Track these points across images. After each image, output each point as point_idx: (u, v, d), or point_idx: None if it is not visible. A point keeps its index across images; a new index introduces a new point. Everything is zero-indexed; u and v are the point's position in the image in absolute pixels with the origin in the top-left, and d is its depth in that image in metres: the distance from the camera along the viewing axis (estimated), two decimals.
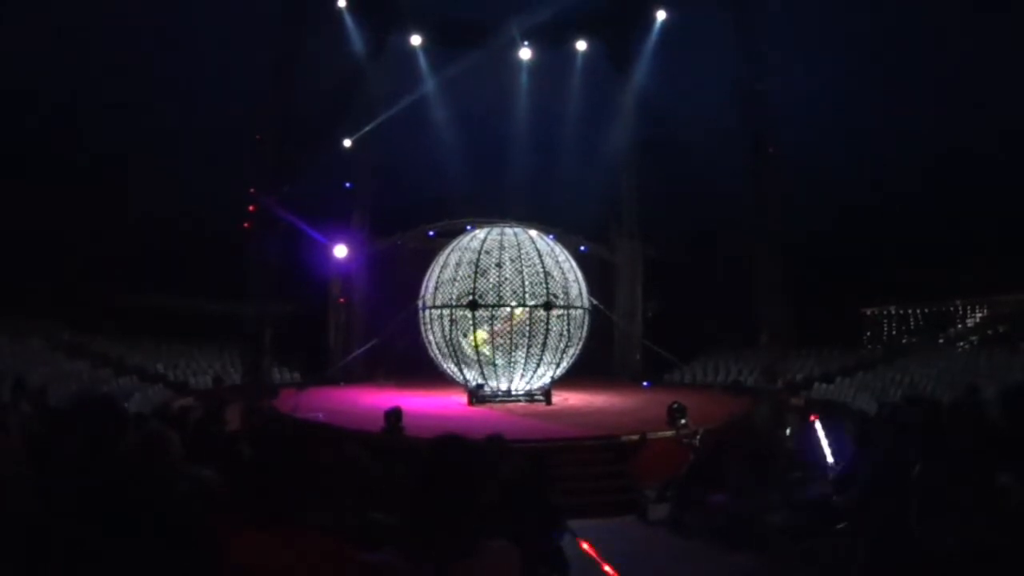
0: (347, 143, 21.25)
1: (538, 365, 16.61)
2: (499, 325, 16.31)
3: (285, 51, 17.00)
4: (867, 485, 5.31)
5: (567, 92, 22.66)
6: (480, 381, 16.58)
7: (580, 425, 13.69)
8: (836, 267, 22.03)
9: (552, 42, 22.24)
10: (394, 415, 9.88)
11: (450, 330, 16.58)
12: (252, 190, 16.65)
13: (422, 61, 21.86)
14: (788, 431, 13.61)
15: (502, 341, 16.29)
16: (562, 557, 5.93)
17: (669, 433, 12.49)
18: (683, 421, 12.47)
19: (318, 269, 20.97)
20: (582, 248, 22.04)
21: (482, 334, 16.37)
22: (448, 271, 16.83)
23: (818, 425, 7.66)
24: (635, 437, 12.14)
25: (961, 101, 21.26)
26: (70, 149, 21.30)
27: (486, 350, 16.36)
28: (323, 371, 20.84)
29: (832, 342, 21.44)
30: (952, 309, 21.50)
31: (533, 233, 17.64)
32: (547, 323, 16.31)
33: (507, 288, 16.26)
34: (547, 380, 17.08)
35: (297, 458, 2.34)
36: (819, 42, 20.92)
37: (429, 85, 21.76)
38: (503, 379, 16.63)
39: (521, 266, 16.47)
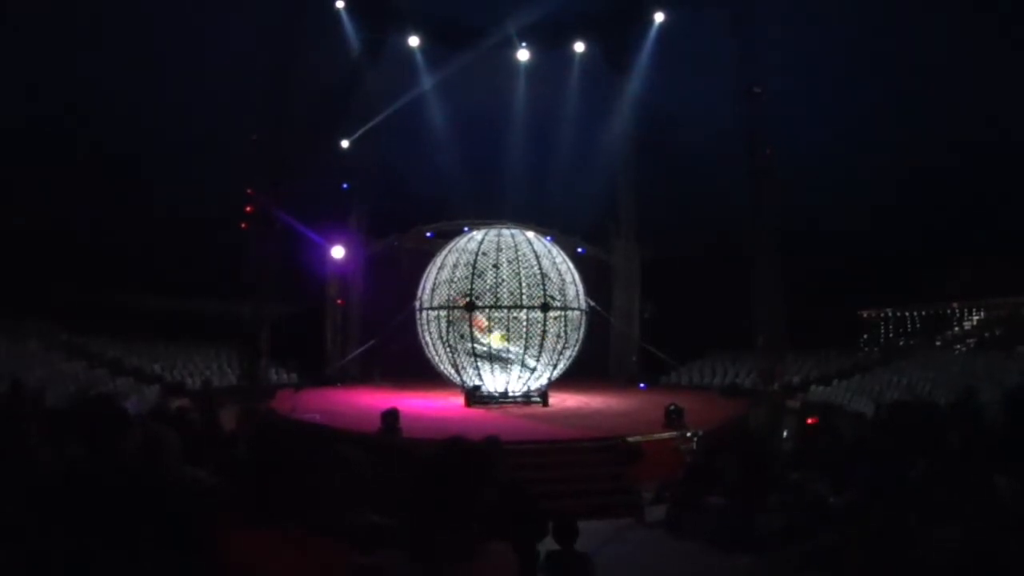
0: (345, 143, 21.26)
1: (535, 366, 16.63)
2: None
3: (283, 51, 16.99)
4: (865, 487, 5.32)
5: (565, 93, 22.67)
6: (477, 383, 16.58)
7: (577, 427, 13.68)
8: (833, 269, 22.06)
9: (550, 43, 22.23)
10: (391, 416, 9.85)
11: (447, 331, 16.58)
12: (249, 190, 16.63)
13: (420, 62, 21.86)
14: (785, 433, 13.62)
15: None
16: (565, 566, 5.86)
17: (666, 435, 12.50)
18: (681, 423, 12.48)
19: (315, 270, 20.98)
20: (579, 250, 22.05)
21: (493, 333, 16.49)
22: (445, 272, 16.83)
23: None
24: (632, 439, 12.13)
25: (960, 102, 21.29)
26: (67, 150, 21.24)
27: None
28: (320, 372, 20.82)
29: (829, 344, 21.46)
30: (949, 312, 21.53)
31: (530, 234, 17.65)
32: (544, 324, 16.32)
33: (504, 289, 16.26)
34: (544, 381, 17.08)
35: (294, 459, 2.33)
36: (817, 42, 20.93)
37: (427, 86, 21.76)
38: (499, 376, 16.64)
39: (519, 267, 16.47)
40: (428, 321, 17.03)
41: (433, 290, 16.86)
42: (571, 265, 17.53)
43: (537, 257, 16.72)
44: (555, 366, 17.00)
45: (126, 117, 21.67)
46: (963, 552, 3.58)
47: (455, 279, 16.54)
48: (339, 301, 21.80)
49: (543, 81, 22.40)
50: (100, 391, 13.41)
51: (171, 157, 21.97)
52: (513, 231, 17.48)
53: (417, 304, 17.41)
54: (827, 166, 22.02)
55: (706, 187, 20.23)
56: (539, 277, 16.41)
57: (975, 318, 20.98)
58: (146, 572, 2.03)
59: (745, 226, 16.72)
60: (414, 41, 21.63)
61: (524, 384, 16.84)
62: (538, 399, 16.50)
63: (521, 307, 16.24)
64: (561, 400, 17.00)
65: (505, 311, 16.24)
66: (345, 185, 21.94)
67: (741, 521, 7.91)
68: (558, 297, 16.58)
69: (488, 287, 16.28)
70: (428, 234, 22.06)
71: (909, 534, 3.92)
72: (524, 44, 21.86)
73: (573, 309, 16.95)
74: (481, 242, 16.93)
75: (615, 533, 9.00)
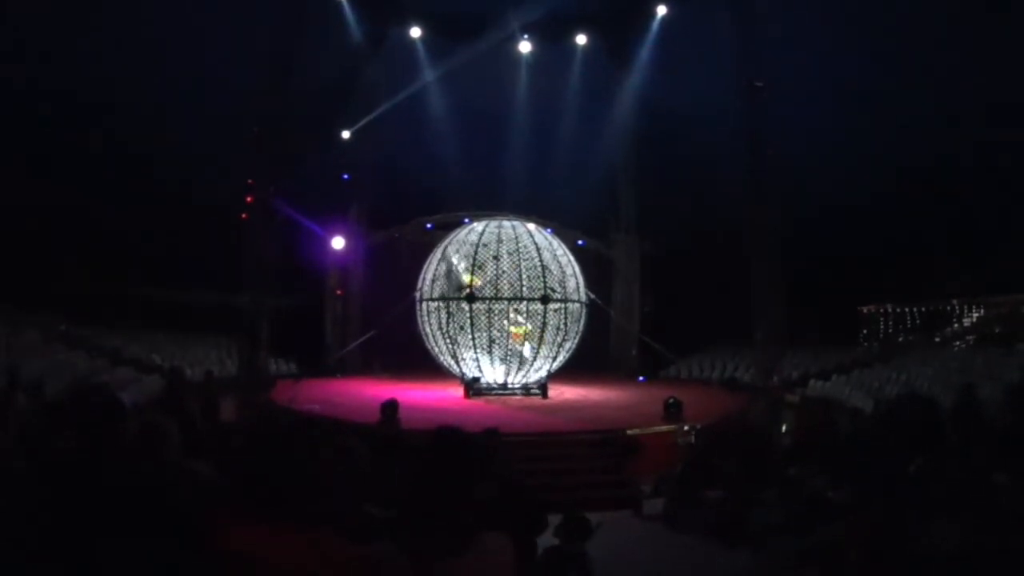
0: (346, 135, 21.22)
1: (535, 359, 16.64)
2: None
3: (284, 42, 16.95)
4: (863, 482, 5.30)
5: (566, 86, 22.62)
6: (477, 374, 16.59)
7: (576, 419, 13.69)
8: (833, 265, 22.04)
9: (552, 36, 22.19)
10: (390, 407, 9.85)
11: (447, 323, 16.58)
12: (250, 182, 16.63)
13: (421, 53, 21.81)
14: (783, 428, 13.64)
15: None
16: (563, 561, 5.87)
17: (665, 428, 12.52)
18: (679, 416, 12.49)
19: (316, 261, 20.95)
20: (580, 242, 22.02)
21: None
22: (445, 264, 16.82)
23: None
24: (631, 432, 12.14)
25: (960, 101, 21.24)
26: (66, 142, 21.20)
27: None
28: (320, 363, 20.82)
29: (829, 339, 21.46)
30: (949, 308, 21.51)
31: (531, 226, 17.64)
32: (544, 317, 16.32)
33: (504, 281, 16.25)
34: (543, 374, 17.09)
35: (293, 450, 2.32)
36: (819, 39, 20.85)
37: (428, 77, 21.71)
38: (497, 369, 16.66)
39: (519, 259, 16.46)
40: (428, 312, 17.03)
41: (433, 281, 16.87)
42: (572, 258, 17.51)
43: (538, 249, 16.70)
44: (555, 358, 17.01)
45: (127, 109, 21.62)
46: (962, 549, 3.57)
47: (456, 271, 16.55)
48: (339, 292, 21.79)
49: (545, 74, 22.35)
50: (96, 381, 13.40)
51: (173, 149, 21.93)
52: (514, 223, 17.47)
53: (417, 295, 17.41)
54: (827, 163, 21.96)
55: (707, 182, 20.20)
56: (540, 269, 16.40)
57: (975, 315, 20.97)
58: (144, 565, 2.02)
59: (746, 221, 16.71)
60: (416, 33, 21.60)
61: (524, 376, 16.86)
62: (537, 391, 16.53)
63: (521, 299, 16.24)
64: (560, 392, 17.02)
65: (505, 303, 16.26)
66: (346, 176, 21.90)
67: (739, 515, 7.92)
68: (558, 289, 16.58)
69: (489, 279, 16.28)
70: (428, 226, 22.04)
71: (907, 530, 3.92)
72: (526, 37, 21.80)
73: (573, 301, 16.95)
74: (482, 234, 16.92)
75: (613, 526, 9.03)
